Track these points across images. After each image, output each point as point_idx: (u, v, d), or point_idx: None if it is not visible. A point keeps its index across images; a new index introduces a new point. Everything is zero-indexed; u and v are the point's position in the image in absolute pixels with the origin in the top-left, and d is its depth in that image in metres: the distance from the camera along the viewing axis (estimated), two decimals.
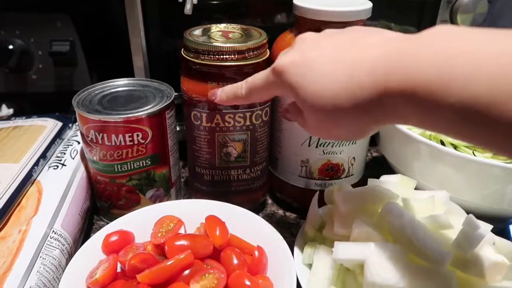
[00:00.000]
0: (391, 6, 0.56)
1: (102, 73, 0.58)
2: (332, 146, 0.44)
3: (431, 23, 0.56)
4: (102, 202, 0.45)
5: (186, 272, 0.31)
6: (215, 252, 0.35)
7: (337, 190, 0.36)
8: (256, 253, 0.35)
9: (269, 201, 0.51)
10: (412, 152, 0.42)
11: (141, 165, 0.42)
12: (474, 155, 0.41)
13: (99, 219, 0.47)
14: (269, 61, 0.43)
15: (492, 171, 0.38)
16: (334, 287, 0.32)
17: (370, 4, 0.42)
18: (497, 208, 0.40)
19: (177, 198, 0.48)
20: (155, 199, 0.45)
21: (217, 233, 0.35)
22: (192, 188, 0.47)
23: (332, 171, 0.45)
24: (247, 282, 0.32)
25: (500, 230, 0.47)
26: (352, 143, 0.44)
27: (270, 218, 0.48)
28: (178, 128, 0.47)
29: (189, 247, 0.33)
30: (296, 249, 0.36)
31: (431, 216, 0.32)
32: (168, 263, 0.31)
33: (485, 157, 0.42)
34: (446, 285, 0.28)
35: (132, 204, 0.44)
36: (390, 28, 0.60)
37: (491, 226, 0.33)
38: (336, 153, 0.44)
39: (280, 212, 0.49)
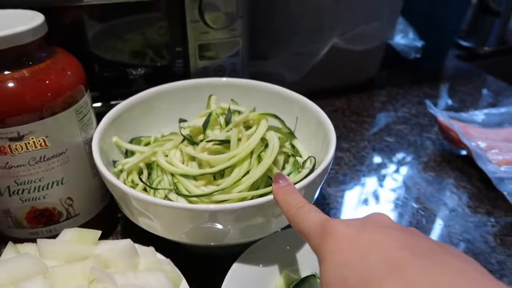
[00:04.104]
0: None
1: None
2: (29, 192, 0.37)
3: (182, 23, 0.50)
4: None
5: None
6: None
7: None
8: None
9: None
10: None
11: None
12: (177, 192, 0.37)
13: None
14: None
15: (186, 214, 0.33)
16: None
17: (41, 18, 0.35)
18: (223, 244, 0.37)
19: None
20: None
21: None
22: None
23: (44, 217, 0.39)
24: None
25: None
26: (59, 184, 0.38)
27: None
28: None
29: None
30: None
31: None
32: None
33: (187, 191, 0.37)
34: None
35: None
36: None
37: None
38: (39, 198, 0.38)
39: None
